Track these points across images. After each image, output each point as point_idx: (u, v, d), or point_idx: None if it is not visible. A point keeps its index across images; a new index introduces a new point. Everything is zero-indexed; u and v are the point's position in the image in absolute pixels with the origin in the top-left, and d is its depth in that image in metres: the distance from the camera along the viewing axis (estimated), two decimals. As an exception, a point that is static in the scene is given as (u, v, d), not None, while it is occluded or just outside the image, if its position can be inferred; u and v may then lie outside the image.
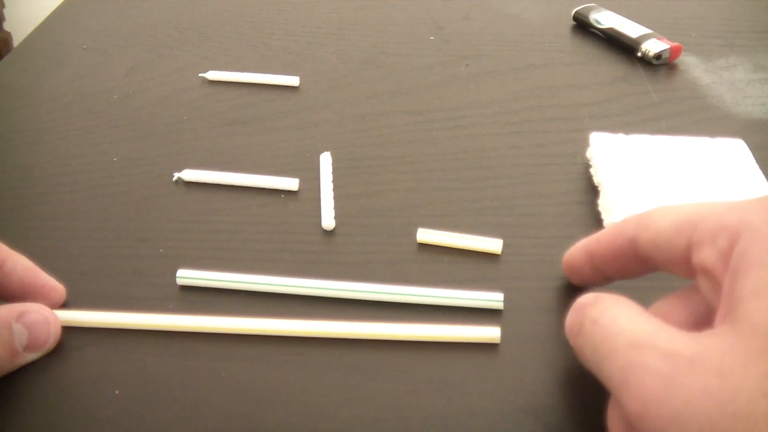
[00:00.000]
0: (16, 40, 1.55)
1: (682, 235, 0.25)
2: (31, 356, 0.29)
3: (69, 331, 0.31)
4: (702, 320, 0.26)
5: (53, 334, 0.30)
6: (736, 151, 0.39)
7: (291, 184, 0.39)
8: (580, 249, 0.31)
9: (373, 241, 0.36)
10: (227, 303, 0.32)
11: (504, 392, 0.29)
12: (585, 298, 0.27)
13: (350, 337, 0.30)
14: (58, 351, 0.30)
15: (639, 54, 0.51)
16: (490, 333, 0.30)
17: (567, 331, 0.27)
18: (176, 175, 0.40)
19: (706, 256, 0.24)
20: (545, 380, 0.29)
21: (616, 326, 0.24)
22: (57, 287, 0.32)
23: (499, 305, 0.32)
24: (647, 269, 0.29)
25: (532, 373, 0.29)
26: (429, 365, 0.30)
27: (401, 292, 0.32)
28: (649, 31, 0.52)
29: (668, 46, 0.50)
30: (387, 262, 0.35)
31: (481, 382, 0.29)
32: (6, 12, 1.58)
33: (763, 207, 0.23)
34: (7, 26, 1.58)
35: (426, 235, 0.35)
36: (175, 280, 0.33)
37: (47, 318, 0.30)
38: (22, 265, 0.31)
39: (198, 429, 0.27)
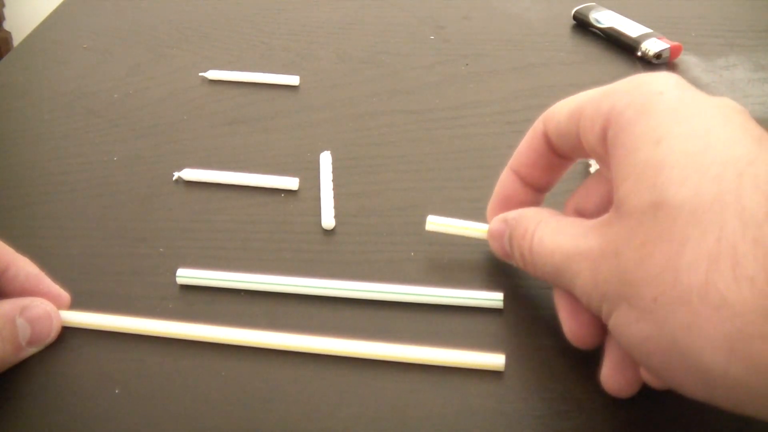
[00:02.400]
0: (17, 39, 1.55)
1: (573, 122, 0.28)
2: (33, 350, 0.30)
3: (69, 330, 0.31)
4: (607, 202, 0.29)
5: (55, 328, 0.30)
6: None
7: (291, 183, 0.39)
8: (505, 180, 0.33)
9: (373, 241, 0.36)
10: (227, 302, 0.32)
11: (504, 391, 0.29)
12: (508, 221, 0.31)
13: (351, 356, 0.30)
14: (58, 350, 0.30)
15: (639, 53, 0.51)
16: (494, 360, 0.30)
17: (502, 255, 0.32)
18: (176, 175, 0.40)
19: (589, 141, 0.27)
20: (545, 379, 0.29)
21: (547, 248, 0.28)
22: (61, 294, 0.32)
23: (499, 304, 0.32)
24: (566, 160, 0.32)
25: (532, 372, 0.29)
26: (429, 365, 0.30)
27: (401, 291, 0.32)
28: (649, 30, 0.52)
29: (668, 46, 0.50)
30: (387, 261, 0.35)
31: (481, 381, 0.29)
32: (6, 11, 1.58)
33: (627, 90, 0.26)
34: (7, 26, 1.59)
35: (435, 221, 0.35)
36: (175, 280, 0.33)
37: (49, 312, 0.30)
38: (25, 271, 0.31)
39: (198, 428, 0.27)
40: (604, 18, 0.54)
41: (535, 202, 0.33)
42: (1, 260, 0.31)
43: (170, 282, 0.33)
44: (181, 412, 0.28)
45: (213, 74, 0.49)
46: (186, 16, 0.58)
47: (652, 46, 0.50)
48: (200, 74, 0.49)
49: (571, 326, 0.29)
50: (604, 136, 0.26)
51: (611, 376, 0.27)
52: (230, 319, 0.32)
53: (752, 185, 0.22)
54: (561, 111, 0.29)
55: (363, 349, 0.30)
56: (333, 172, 0.40)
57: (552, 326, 0.31)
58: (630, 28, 0.52)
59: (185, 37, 0.54)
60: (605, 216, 0.26)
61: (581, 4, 0.56)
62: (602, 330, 0.28)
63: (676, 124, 0.24)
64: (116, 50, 0.53)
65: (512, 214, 0.31)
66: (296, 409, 0.28)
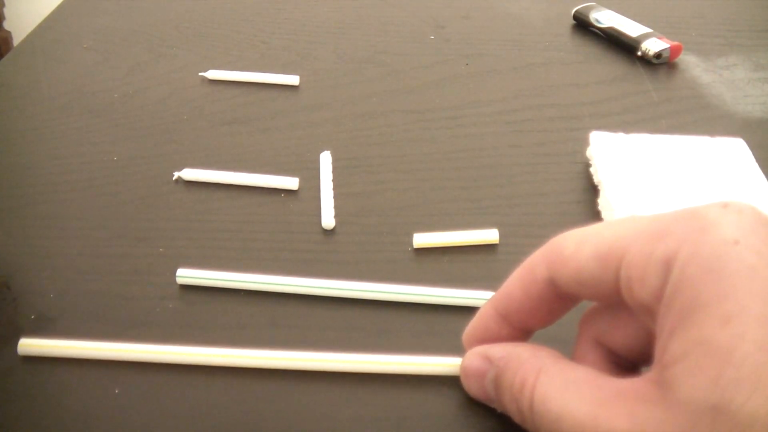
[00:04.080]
0: (17, 39, 1.55)
1: (608, 269, 0.22)
2: None
3: (69, 331, 0.31)
4: (642, 341, 0.24)
5: None
6: (735, 150, 0.39)
7: (291, 183, 0.39)
8: (487, 318, 0.27)
9: (372, 240, 0.36)
10: (227, 302, 0.32)
11: (504, 391, 0.29)
12: (493, 360, 0.25)
13: (357, 371, 0.29)
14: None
15: (639, 53, 0.51)
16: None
17: (480, 397, 0.27)
18: (176, 174, 0.40)
19: (638, 296, 0.21)
20: (545, 379, 0.29)
21: (553, 413, 0.22)
22: None
23: (499, 304, 0.32)
24: (575, 304, 0.26)
25: (531, 372, 0.29)
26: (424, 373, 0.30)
27: (401, 291, 0.32)
28: (649, 30, 0.52)
29: (668, 45, 0.50)
30: (387, 260, 0.35)
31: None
32: (6, 11, 1.58)
33: (689, 232, 0.20)
34: (7, 25, 1.58)
35: (422, 239, 0.35)
36: (175, 279, 0.33)
37: None
38: None
39: (198, 428, 0.27)
40: (604, 18, 0.54)
41: (521, 340, 0.27)
42: None
43: (170, 282, 0.33)
44: (181, 412, 0.28)
45: (213, 74, 0.49)
46: (186, 16, 0.58)
47: (652, 45, 0.50)
48: (200, 74, 0.49)
49: None
50: (660, 292, 0.20)
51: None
52: (230, 319, 0.32)
53: None
54: (581, 255, 0.23)
55: (362, 364, 0.30)
56: (333, 172, 0.40)
57: (552, 326, 0.31)
58: (630, 27, 0.52)
59: (185, 37, 0.54)
60: (641, 386, 0.21)
61: (581, 3, 0.56)
62: None
63: (752, 297, 0.19)
64: (116, 50, 0.53)
65: (498, 352, 0.26)
66: (297, 408, 0.28)
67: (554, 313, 0.26)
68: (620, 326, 0.25)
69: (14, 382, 0.29)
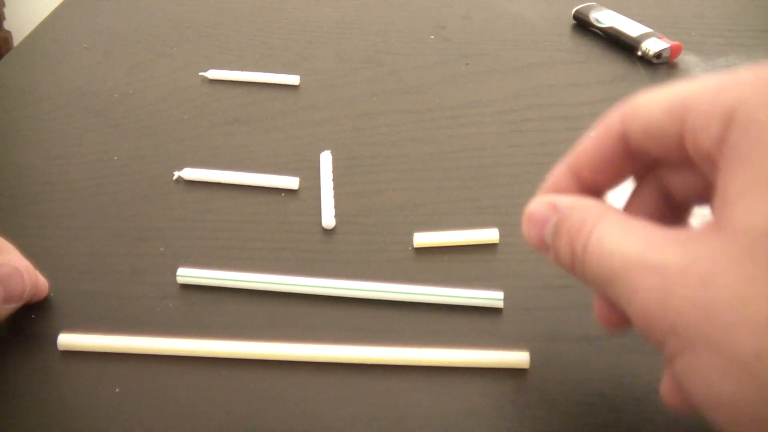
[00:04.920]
0: (17, 39, 1.55)
1: (675, 119, 0.23)
2: (12, 306, 0.30)
3: (68, 330, 0.31)
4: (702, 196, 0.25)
5: (29, 283, 0.30)
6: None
7: (291, 182, 0.39)
8: (561, 174, 0.28)
9: (373, 240, 0.36)
10: (227, 301, 0.32)
11: (503, 390, 0.29)
12: (559, 208, 0.25)
13: (362, 362, 0.30)
14: (58, 349, 0.30)
15: (639, 53, 0.51)
16: (520, 358, 0.29)
17: (536, 245, 0.26)
18: (176, 174, 0.40)
19: (700, 143, 0.22)
20: (545, 378, 0.29)
21: (606, 249, 0.22)
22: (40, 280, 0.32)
23: (499, 304, 0.32)
24: (643, 164, 0.26)
25: (532, 372, 0.29)
26: (429, 364, 0.30)
27: (401, 290, 0.32)
28: (649, 30, 0.52)
29: (668, 45, 0.50)
30: (387, 260, 0.35)
31: (481, 380, 0.29)
32: (6, 11, 1.58)
33: (757, 83, 0.21)
34: (7, 25, 1.58)
35: (422, 239, 0.35)
36: (175, 279, 0.33)
37: (17, 268, 0.30)
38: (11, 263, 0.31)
39: (198, 427, 0.27)
40: (604, 17, 0.54)
41: None
42: None
43: (170, 281, 0.33)
44: (181, 411, 0.28)
45: (213, 74, 0.49)
46: (186, 16, 0.58)
47: (652, 45, 0.50)
48: (200, 74, 0.49)
49: (603, 313, 0.26)
50: (723, 138, 0.21)
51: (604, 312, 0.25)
52: (230, 319, 0.32)
53: None
54: (652, 106, 0.24)
55: (369, 355, 0.30)
56: (333, 171, 0.40)
57: (552, 326, 0.31)
58: (630, 27, 0.52)
59: (185, 37, 0.54)
60: (694, 229, 0.21)
61: (581, 3, 0.56)
62: None
63: None
64: (116, 50, 0.53)
65: (565, 201, 0.26)
66: (296, 407, 0.28)
67: (621, 172, 0.27)
68: (682, 180, 0.26)
69: (14, 380, 0.29)
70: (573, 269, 0.24)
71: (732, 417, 0.19)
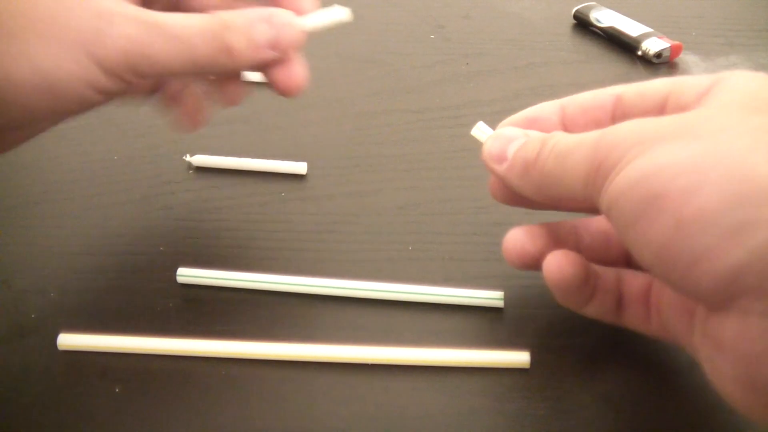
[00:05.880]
0: (17, 38, 1.55)
1: (669, 84, 0.27)
2: (273, 54, 0.30)
3: (70, 329, 0.31)
4: None
5: (294, 36, 0.30)
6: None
7: (299, 167, 0.39)
8: (545, 106, 0.31)
9: (373, 240, 0.36)
10: (228, 301, 0.32)
11: (504, 390, 0.29)
12: (530, 135, 0.29)
13: (362, 362, 0.30)
14: (58, 349, 0.30)
15: (639, 53, 0.51)
16: (520, 358, 0.30)
17: (494, 153, 0.29)
18: (187, 158, 0.40)
19: (686, 96, 0.26)
20: (545, 378, 0.29)
21: (586, 135, 0.25)
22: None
23: (500, 304, 0.32)
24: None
25: (532, 372, 0.29)
26: (429, 364, 0.30)
27: (401, 290, 0.32)
28: (650, 29, 0.52)
29: (668, 45, 0.50)
30: (387, 260, 0.35)
31: (481, 379, 0.29)
32: (6, 11, 1.57)
33: (744, 73, 0.25)
34: (7, 25, 1.58)
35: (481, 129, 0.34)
36: (175, 278, 0.33)
37: (289, 20, 0.30)
38: None
39: (198, 427, 0.27)
40: (604, 17, 0.54)
41: None
42: None
43: (171, 281, 0.33)
44: (181, 411, 0.28)
45: (213, 73, 0.49)
46: (186, 16, 0.57)
47: (652, 45, 0.50)
48: (200, 73, 0.49)
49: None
50: (705, 92, 0.25)
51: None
52: (230, 319, 0.32)
53: None
54: (652, 81, 0.29)
55: (369, 355, 0.30)
56: (333, 171, 0.40)
57: (553, 326, 0.31)
58: (630, 27, 0.52)
59: (185, 37, 0.54)
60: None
61: (581, 3, 0.56)
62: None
63: None
64: (116, 49, 0.53)
65: (536, 133, 0.29)
66: (297, 407, 0.28)
67: (603, 122, 0.29)
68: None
69: (15, 380, 0.29)
70: (532, 164, 0.27)
71: (688, 167, 0.21)
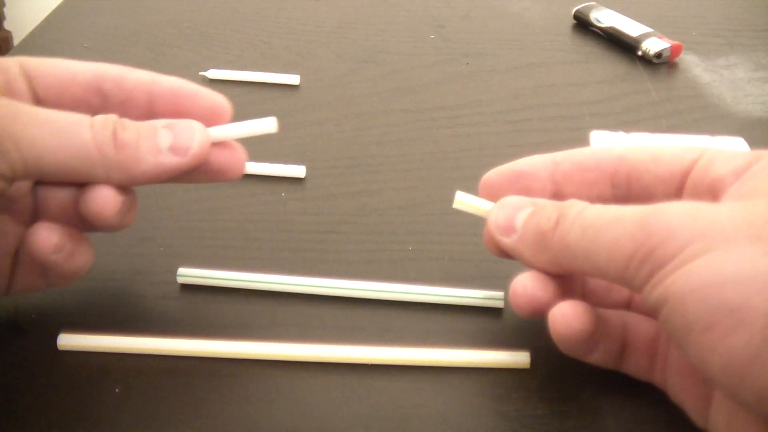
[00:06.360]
0: (17, 38, 1.55)
1: (693, 152, 0.25)
2: (175, 159, 0.27)
3: (69, 330, 0.31)
4: None
5: (198, 140, 0.27)
6: (736, 149, 0.39)
7: (298, 171, 0.39)
8: (538, 160, 0.29)
9: (373, 240, 0.36)
10: (228, 301, 0.32)
11: (503, 390, 0.29)
12: (536, 202, 0.27)
13: (362, 362, 0.30)
14: (58, 349, 0.30)
15: (639, 53, 0.51)
16: (520, 358, 0.29)
17: (502, 226, 0.27)
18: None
19: (716, 170, 0.24)
20: (545, 378, 0.29)
21: (611, 214, 0.23)
22: (217, 105, 0.29)
23: (500, 304, 0.32)
24: (616, 195, 0.27)
25: (532, 372, 0.29)
26: (429, 364, 0.30)
27: (401, 290, 0.32)
28: (650, 29, 0.52)
29: (668, 45, 0.50)
30: (387, 260, 0.35)
31: (481, 379, 0.29)
32: (6, 11, 1.58)
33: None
34: (7, 25, 1.58)
35: (461, 201, 0.31)
36: (175, 279, 0.33)
37: (193, 126, 0.27)
38: (171, 88, 0.29)
39: (198, 427, 0.27)
40: (604, 17, 0.54)
41: None
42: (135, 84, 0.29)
43: (171, 281, 0.33)
44: (181, 411, 0.28)
45: (213, 73, 0.49)
46: (186, 16, 0.58)
47: (652, 45, 0.50)
48: (201, 73, 0.49)
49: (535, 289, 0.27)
50: (742, 170, 0.24)
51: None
52: (231, 319, 0.32)
53: None
54: (666, 145, 0.27)
55: (369, 355, 0.30)
56: (333, 171, 0.40)
57: (552, 325, 0.31)
58: (630, 27, 0.52)
59: (186, 37, 0.54)
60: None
61: (581, 3, 0.56)
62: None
63: None
64: (116, 50, 0.53)
65: (542, 200, 0.27)
66: (297, 407, 0.28)
67: (600, 191, 0.28)
68: None
69: (15, 379, 0.29)
70: (550, 235, 0.25)
71: (761, 285, 0.20)
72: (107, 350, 0.30)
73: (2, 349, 0.30)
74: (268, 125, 0.29)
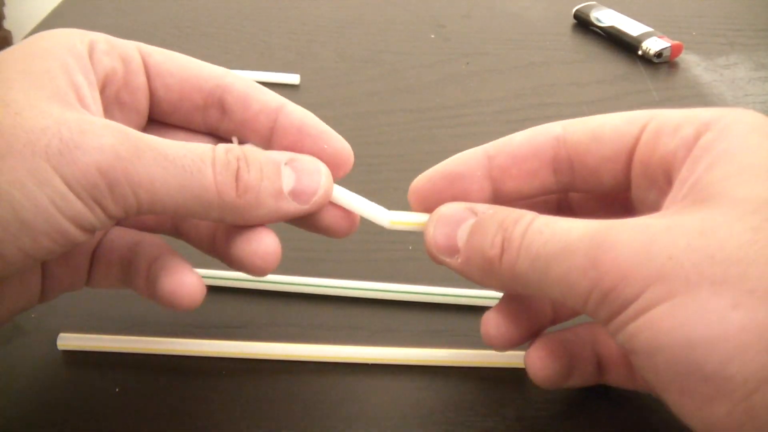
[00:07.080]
0: (17, 38, 1.55)
1: (635, 124, 0.23)
2: (295, 206, 0.25)
3: (69, 330, 0.31)
4: None
5: (324, 187, 0.25)
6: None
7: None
8: (469, 161, 0.26)
9: (373, 240, 0.36)
10: (228, 301, 0.32)
11: (503, 390, 0.29)
12: (478, 211, 0.24)
13: (362, 362, 0.30)
14: (58, 348, 0.30)
15: (640, 52, 0.51)
16: (520, 358, 0.29)
17: (441, 246, 0.24)
18: None
19: (664, 144, 0.22)
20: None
21: (560, 226, 0.21)
22: (342, 151, 0.26)
23: (500, 303, 0.32)
24: (559, 181, 0.25)
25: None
26: (429, 364, 0.30)
27: (401, 290, 0.32)
28: (650, 29, 0.52)
29: (669, 45, 0.50)
30: (387, 260, 0.35)
31: (480, 379, 0.29)
32: (6, 10, 1.58)
33: (736, 110, 0.22)
34: (7, 25, 1.59)
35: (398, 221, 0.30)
36: (175, 279, 0.33)
37: (320, 168, 0.25)
38: (299, 120, 0.26)
39: (198, 427, 0.27)
40: (604, 17, 0.54)
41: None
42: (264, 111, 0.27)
43: (170, 281, 0.33)
44: (181, 411, 0.28)
45: (213, 73, 0.49)
46: (186, 15, 0.58)
47: (652, 44, 0.50)
48: (200, 73, 0.49)
49: (501, 328, 0.25)
50: (692, 142, 0.21)
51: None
52: (231, 319, 0.32)
53: None
54: (606, 117, 0.24)
55: (369, 355, 0.30)
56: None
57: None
58: (631, 26, 0.52)
59: (185, 36, 0.54)
60: (670, 210, 0.21)
61: (582, 3, 0.56)
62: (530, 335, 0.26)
63: None
64: (116, 49, 0.53)
65: (483, 206, 0.24)
66: (297, 406, 0.28)
67: (542, 181, 0.25)
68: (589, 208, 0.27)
69: (15, 379, 0.29)
70: (497, 264, 0.23)
71: (734, 349, 0.18)
72: (107, 350, 0.30)
73: (2, 349, 0.30)
74: (382, 218, 0.27)
